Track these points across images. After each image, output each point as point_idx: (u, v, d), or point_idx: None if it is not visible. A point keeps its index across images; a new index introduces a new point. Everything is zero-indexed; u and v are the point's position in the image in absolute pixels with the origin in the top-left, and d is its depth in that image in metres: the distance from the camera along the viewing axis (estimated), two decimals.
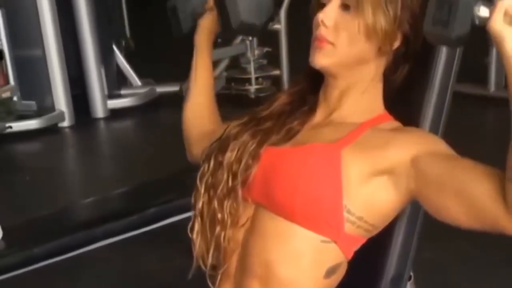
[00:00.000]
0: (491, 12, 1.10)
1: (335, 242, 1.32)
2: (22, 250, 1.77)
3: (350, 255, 1.36)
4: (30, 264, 1.75)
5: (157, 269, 2.90)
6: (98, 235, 1.82)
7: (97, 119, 5.00)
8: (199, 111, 1.67)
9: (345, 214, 1.29)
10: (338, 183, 1.28)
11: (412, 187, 1.28)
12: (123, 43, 5.50)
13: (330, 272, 1.34)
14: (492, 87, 4.74)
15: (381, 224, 1.35)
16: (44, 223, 2.02)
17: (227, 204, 1.35)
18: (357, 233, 1.33)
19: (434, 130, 1.47)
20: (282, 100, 1.45)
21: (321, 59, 1.35)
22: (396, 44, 1.35)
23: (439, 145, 1.30)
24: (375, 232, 1.35)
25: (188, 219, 1.43)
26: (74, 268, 2.66)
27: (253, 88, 5.19)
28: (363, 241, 1.36)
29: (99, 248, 1.82)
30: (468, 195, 1.19)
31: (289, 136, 1.39)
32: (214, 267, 1.39)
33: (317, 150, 1.32)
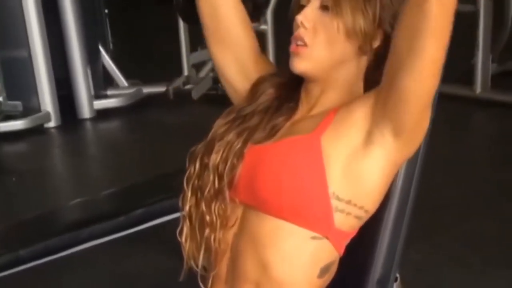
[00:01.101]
0: None
1: (327, 238, 1.32)
2: (9, 252, 1.77)
3: (342, 250, 1.36)
4: (17, 266, 1.75)
5: (145, 270, 2.89)
6: (85, 236, 1.81)
7: (83, 120, 4.97)
8: None
9: (333, 202, 1.29)
10: (322, 172, 1.29)
11: (385, 123, 1.27)
12: (111, 44, 5.48)
13: (323, 272, 1.35)
14: (478, 88, 4.76)
15: (370, 205, 1.34)
16: (31, 224, 2.01)
17: (215, 206, 1.35)
18: (347, 224, 1.33)
19: None
20: (269, 94, 1.44)
21: (299, 64, 1.36)
22: (376, 43, 1.35)
23: None
24: (365, 218, 1.35)
25: (176, 219, 1.42)
26: (62, 269, 2.65)
27: None
28: (354, 233, 1.36)
29: (87, 250, 1.82)
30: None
31: (273, 132, 1.39)
32: (205, 269, 1.38)
33: (297, 143, 1.33)
